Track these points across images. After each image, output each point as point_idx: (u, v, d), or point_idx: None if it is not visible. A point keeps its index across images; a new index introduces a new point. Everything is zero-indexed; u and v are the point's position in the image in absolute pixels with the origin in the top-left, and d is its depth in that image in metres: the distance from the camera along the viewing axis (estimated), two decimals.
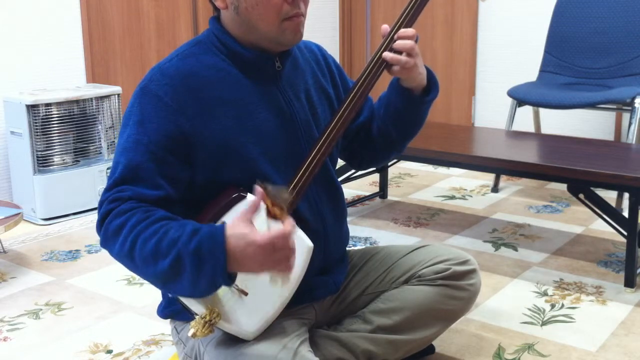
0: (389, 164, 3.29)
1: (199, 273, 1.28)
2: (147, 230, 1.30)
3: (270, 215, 1.36)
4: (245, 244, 1.27)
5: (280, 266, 1.31)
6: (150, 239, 1.29)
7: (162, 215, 1.33)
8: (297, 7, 1.42)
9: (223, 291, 1.38)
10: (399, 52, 1.47)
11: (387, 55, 1.47)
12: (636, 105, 3.07)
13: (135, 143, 1.38)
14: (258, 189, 1.33)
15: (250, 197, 1.40)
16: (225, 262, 1.27)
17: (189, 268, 1.28)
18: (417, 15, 1.48)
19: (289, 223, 1.31)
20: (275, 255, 1.29)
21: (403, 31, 1.47)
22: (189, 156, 1.40)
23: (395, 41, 1.47)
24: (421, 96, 1.58)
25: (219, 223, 1.38)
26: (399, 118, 1.63)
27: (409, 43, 1.46)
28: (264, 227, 1.32)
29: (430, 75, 1.58)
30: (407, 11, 1.48)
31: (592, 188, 2.35)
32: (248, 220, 1.30)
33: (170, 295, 1.42)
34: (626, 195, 2.76)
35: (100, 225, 1.36)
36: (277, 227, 1.30)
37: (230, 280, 1.30)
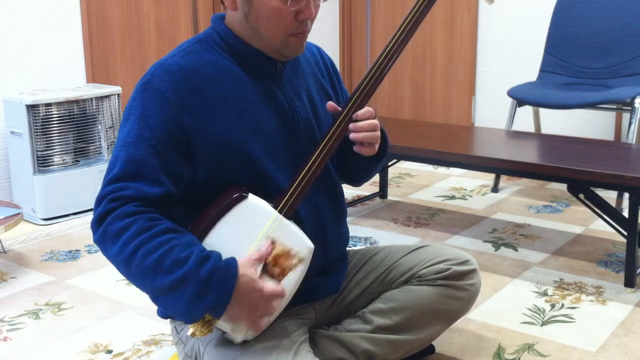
0: (389, 163, 3.29)
1: (199, 301, 1.28)
2: (151, 243, 1.29)
3: (268, 272, 1.38)
4: (253, 289, 1.32)
5: (255, 322, 1.37)
6: (153, 252, 1.29)
7: (166, 228, 1.32)
8: (305, 26, 1.44)
9: None
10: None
11: (357, 148, 1.52)
12: (636, 105, 3.07)
13: (137, 137, 1.37)
14: (268, 243, 1.37)
15: (251, 198, 1.40)
16: (229, 301, 1.29)
17: (190, 294, 1.28)
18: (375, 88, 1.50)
19: (283, 287, 1.37)
20: (262, 310, 1.35)
21: (362, 113, 1.49)
22: (190, 153, 1.40)
23: (353, 119, 1.48)
24: (371, 157, 1.62)
25: (219, 224, 1.38)
26: (348, 170, 1.69)
27: (370, 133, 1.50)
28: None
29: (383, 136, 1.62)
30: (363, 84, 1.49)
31: (592, 188, 2.35)
32: (256, 265, 1.34)
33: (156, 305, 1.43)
34: (626, 195, 2.76)
35: (98, 223, 1.34)
36: (272, 285, 1.36)
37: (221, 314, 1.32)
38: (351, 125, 1.49)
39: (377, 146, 1.57)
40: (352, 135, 1.49)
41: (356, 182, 1.75)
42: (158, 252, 1.29)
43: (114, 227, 1.32)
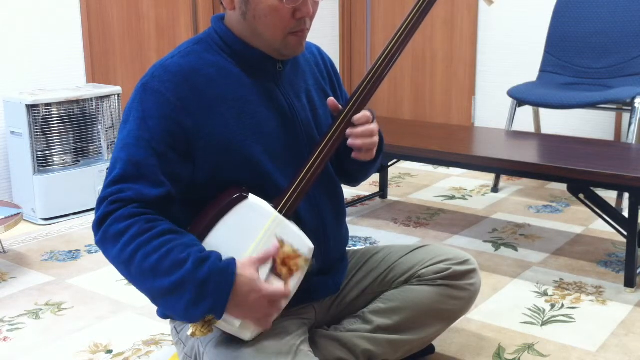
0: (389, 163, 3.29)
1: (197, 303, 1.28)
2: (149, 245, 1.30)
3: (275, 271, 1.38)
4: (250, 290, 1.31)
5: (262, 321, 1.36)
6: (152, 254, 1.29)
7: (165, 229, 1.33)
8: (303, 24, 1.44)
9: None
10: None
11: (355, 154, 1.52)
12: (636, 105, 3.07)
13: (137, 139, 1.37)
14: (275, 243, 1.37)
15: (251, 198, 1.40)
16: (227, 302, 1.29)
17: (188, 295, 1.28)
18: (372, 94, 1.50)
19: (289, 288, 1.37)
20: (266, 310, 1.34)
21: (359, 117, 1.49)
22: (190, 153, 1.40)
23: (352, 123, 1.49)
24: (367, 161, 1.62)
25: (219, 224, 1.39)
26: (344, 171, 1.69)
27: (368, 140, 1.51)
28: (263, 278, 1.35)
29: (380, 136, 1.62)
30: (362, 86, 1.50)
31: (592, 188, 2.35)
32: (257, 265, 1.33)
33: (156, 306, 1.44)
34: (626, 195, 2.76)
35: (99, 225, 1.35)
36: (278, 285, 1.35)
37: (222, 315, 1.32)
38: (348, 131, 1.49)
39: (374, 151, 1.57)
40: (349, 142, 1.49)
41: (351, 182, 1.76)
42: (156, 254, 1.29)
43: (113, 229, 1.32)
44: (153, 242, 1.30)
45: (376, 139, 1.55)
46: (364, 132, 1.50)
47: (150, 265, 1.29)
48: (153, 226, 1.32)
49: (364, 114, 1.50)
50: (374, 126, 1.53)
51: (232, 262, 1.31)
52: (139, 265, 1.30)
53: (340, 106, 1.51)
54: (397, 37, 1.50)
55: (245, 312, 1.34)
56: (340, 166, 1.68)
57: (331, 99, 1.51)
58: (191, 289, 1.28)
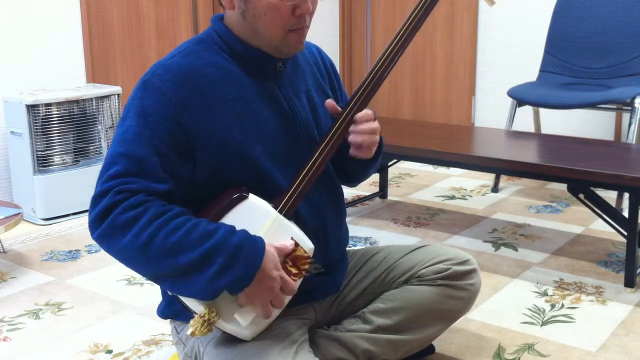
0: (389, 163, 3.29)
1: (227, 272, 1.28)
2: (170, 224, 1.28)
3: (286, 269, 1.39)
4: (274, 266, 1.34)
5: (266, 308, 1.37)
6: (175, 232, 1.28)
7: (180, 211, 1.32)
8: (303, 21, 1.44)
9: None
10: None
11: (353, 151, 1.53)
12: (636, 105, 3.07)
13: (137, 135, 1.35)
14: (292, 242, 1.39)
15: (252, 198, 1.40)
16: (258, 269, 1.30)
17: (219, 263, 1.27)
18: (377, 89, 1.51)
19: (296, 287, 1.39)
20: (276, 295, 1.36)
21: (362, 115, 1.50)
22: (190, 153, 1.40)
23: (354, 121, 1.49)
24: (366, 160, 1.62)
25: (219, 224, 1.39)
26: (343, 171, 1.69)
27: (370, 137, 1.51)
28: None
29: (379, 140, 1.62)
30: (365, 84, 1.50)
31: (592, 188, 2.35)
32: (276, 252, 1.36)
33: (170, 293, 1.41)
34: (626, 195, 2.76)
35: (102, 217, 1.30)
36: (289, 280, 1.38)
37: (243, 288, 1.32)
38: (351, 128, 1.49)
39: (374, 150, 1.57)
40: (350, 138, 1.49)
41: (349, 183, 1.76)
42: (181, 230, 1.28)
43: (124, 217, 1.28)
44: (173, 221, 1.29)
45: (377, 137, 1.55)
46: (364, 129, 1.50)
47: (174, 242, 1.27)
48: (168, 209, 1.31)
49: (366, 112, 1.51)
50: (375, 125, 1.53)
51: (260, 238, 1.34)
52: (160, 245, 1.27)
53: (339, 108, 1.51)
54: (398, 39, 1.50)
55: (260, 292, 1.34)
56: (339, 166, 1.68)
57: (329, 101, 1.51)
58: (222, 256, 1.27)
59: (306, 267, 1.41)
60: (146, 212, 1.29)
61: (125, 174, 1.32)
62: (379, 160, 1.68)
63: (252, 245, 1.31)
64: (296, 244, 1.40)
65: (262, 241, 1.33)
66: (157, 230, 1.28)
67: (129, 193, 1.30)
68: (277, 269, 1.34)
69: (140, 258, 1.30)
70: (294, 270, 1.39)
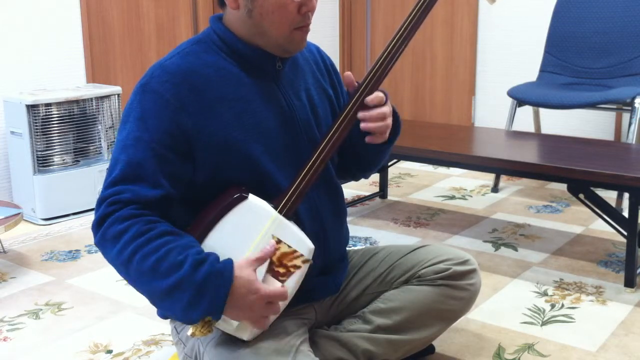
0: (389, 163, 3.29)
1: (195, 306, 1.29)
2: (148, 246, 1.30)
3: (272, 271, 1.37)
4: (248, 291, 1.31)
5: (259, 322, 1.36)
6: (150, 256, 1.29)
7: (163, 231, 1.33)
8: (307, 19, 1.45)
9: None
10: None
11: (368, 138, 1.53)
12: (636, 105, 3.07)
13: (136, 140, 1.37)
14: (272, 242, 1.37)
15: (251, 198, 1.40)
16: (224, 304, 1.29)
17: (186, 297, 1.28)
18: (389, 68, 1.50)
19: (286, 288, 1.37)
20: (264, 311, 1.34)
21: (372, 99, 1.49)
22: (189, 154, 1.40)
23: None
24: (381, 144, 1.61)
25: (219, 224, 1.38)
26: (357, 159, 1.68)
27: (380, 123, 1.51)
28: (260, 279, 1.35)
29: (395, 118, 1.62)
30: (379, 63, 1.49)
31: (592, 188, 2.35)
32: (255, 266, 1.34)
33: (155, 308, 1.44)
34: (626, 195, 2.76)
35: (98, 226, 1.35)
36: (275, 286, 1.35)
37: (220, 316, 1.32)
38: (360, 114, 1.48)
39: (387, 134, 1.57)
40: (362, 125, 1.50)
41: (365, 171, 1.74)
42: (155, 255, 1.29)
43: (112, 230, 1.32)
44: (151, 243, 1.30)
45: (389, 121, 1.54)
46: (373, 116, 1.49)
47: (149, 267, 1.29)
48: (152, 227, 1.32)
49: (377, 94, 1.49)
50: (386, 109, 1.52)
51: (229, 263, 1.31)
52: (137, 266, 1.30)
53: (355, 83, 1.50)
54: (397, 38, 1.50)
55: (242, 313, 1.34)
56: (351, 156, 1.67)
57: (347, 73, 1.50)
58: (189, 291, 1.28)
59: (295, 262, 1.39)
60: (130, 229, 1.31)
61: (121, 180, 1.36)
62: (394, 142, 1.66)
63: (217, 279, 1.29)
64: (278, 242, 1.38)
65: (230, 268, 1.30)
66: (136, 249, 1.30)
67: (121, 204, 1.34)
68: (251, 292, 1.31)
69: (124, 272, 1.35)
70: (281, 270, 1.38)
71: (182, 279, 1.28)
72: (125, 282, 2.40)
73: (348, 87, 1.51)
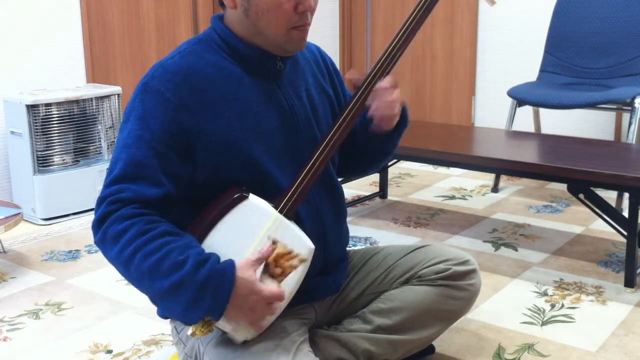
0: (389, 163, 3.29)
1: (196, 305, 1.29)
2: (148, 246, 1.30)
3: (269, 272, 1.37)
4: (249, 292, 1.32)
5: (256, 324, 1.37)
6: (151, 255, 1.29)
7: (164, 230, 1.33)
8: (305, 18, 1.44)
9: None
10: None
11: (375, 122, 1.54)
12: (636, 105, 3.07)
13: (137, 139, 1.37)
14: (270, 243, 1.37)
15: (252, 198, 1.40)
16: (226, 304, 1.29)
17: (187, 297, 1.28)
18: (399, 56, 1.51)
19: (282, 289, 1.37)
20: (263, 312, 1.35)
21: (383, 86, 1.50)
22: (190, 153, 1.40)
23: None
24: (390, 132, 1.62)
25: (219, 224, 1.38)
26: (365, 152, 1.69)
27: (389, 110, 1.52)
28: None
29: (402, 111, 1.62)
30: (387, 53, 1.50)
31: (592, 188, 2.35)
32: (256, 267, 1.34)
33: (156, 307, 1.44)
34: (626, 195, 2.76)
35: (98, 225, 1.35)
36: (273, 286, 1.35)
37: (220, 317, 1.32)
38: (368, 101, 1.50)
39: (394, 121, 1.58)
40: (370, 112, 1.51)
41: (369, 167, 1.75)
42: (156, 255, 1.29)
43: (113, 229, 1.32)
44: (152, 243, 1.30)
45: (396, 109, 1.55)
46: (380, 105, 1.51)
47: (149, 267, 1.29)
48: (152, 227, 1.32)
49: (387, 80, 1.50)
50: (394, 96, 1.53)
51: (231, 263, 1.31)
52: (138, 266, 1.30)
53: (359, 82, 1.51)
54: (397, 39, 1.50)
55: (243, 314, 1.34)
56: (357, 149, 1.68)
57: (350, 73, 1.52)
58: (190, 290, 1.28)
59: (291, 262, 1.39)
60: (131, 228, 1.31)
61: (122, 179, 1.35)
62: (402, 132, 1.67)
63: (221, 278, 1.29)
64: (273, 242, 1.38)
65: (232, 269, 1.31)
66: (137, 249, 1.30)
67: (121, 203, 1.33)
68: (253, 292, 1.32)
69: (124, 272, 1.34)
70: (278, 271, 1.38)
71: (184, 279, 1.28)
72: (125, 282, 2.40)
73: (355, 83, 1.51)
